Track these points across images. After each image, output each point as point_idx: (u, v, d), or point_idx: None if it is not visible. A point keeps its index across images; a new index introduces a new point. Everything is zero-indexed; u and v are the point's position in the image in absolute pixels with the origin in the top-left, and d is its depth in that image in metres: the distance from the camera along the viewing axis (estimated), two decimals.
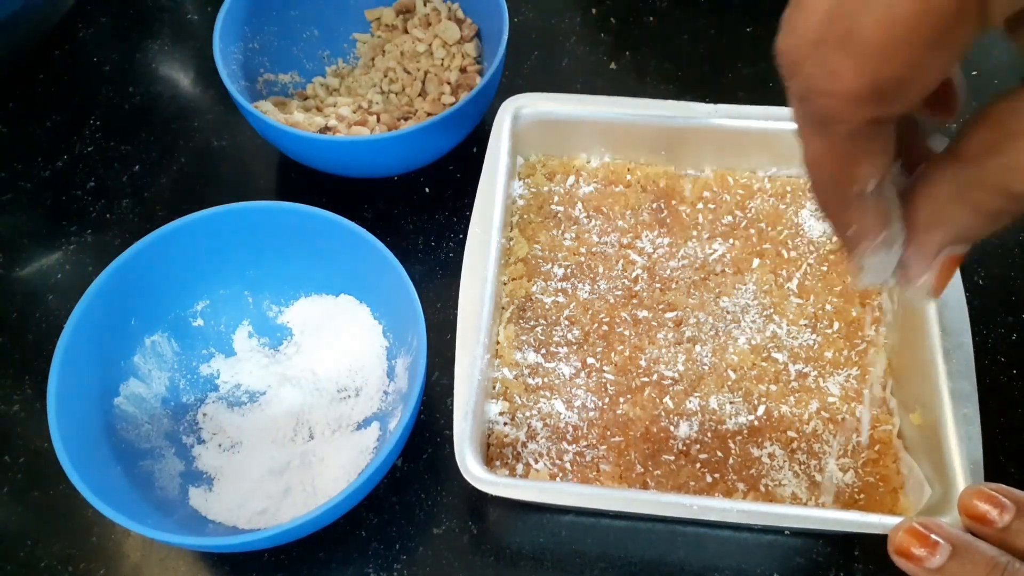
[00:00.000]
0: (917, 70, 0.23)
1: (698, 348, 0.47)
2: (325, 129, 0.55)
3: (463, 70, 0.58)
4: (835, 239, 0.50)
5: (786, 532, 0.45)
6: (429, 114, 0.56)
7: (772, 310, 0.48)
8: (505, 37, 0.53)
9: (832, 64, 0.23)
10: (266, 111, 0.54)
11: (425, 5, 0.60)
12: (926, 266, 0.28)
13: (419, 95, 0.58)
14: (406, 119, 0.56)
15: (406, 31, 0.61)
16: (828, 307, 0.48)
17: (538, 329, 0.48)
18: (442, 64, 0.59)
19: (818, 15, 0.23)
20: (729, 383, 0.46)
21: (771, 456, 0.44)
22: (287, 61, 0.59)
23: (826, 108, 0.24)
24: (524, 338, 0.47)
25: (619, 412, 0.45)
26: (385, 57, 0.60)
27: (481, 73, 0.58)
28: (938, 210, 0.27)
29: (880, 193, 0.26)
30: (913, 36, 0.22)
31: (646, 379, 0.46)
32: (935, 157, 0.27)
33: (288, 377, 0.48)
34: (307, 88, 0.59)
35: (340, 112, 0.56)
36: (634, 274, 0.49)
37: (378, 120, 0.56)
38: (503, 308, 0.48)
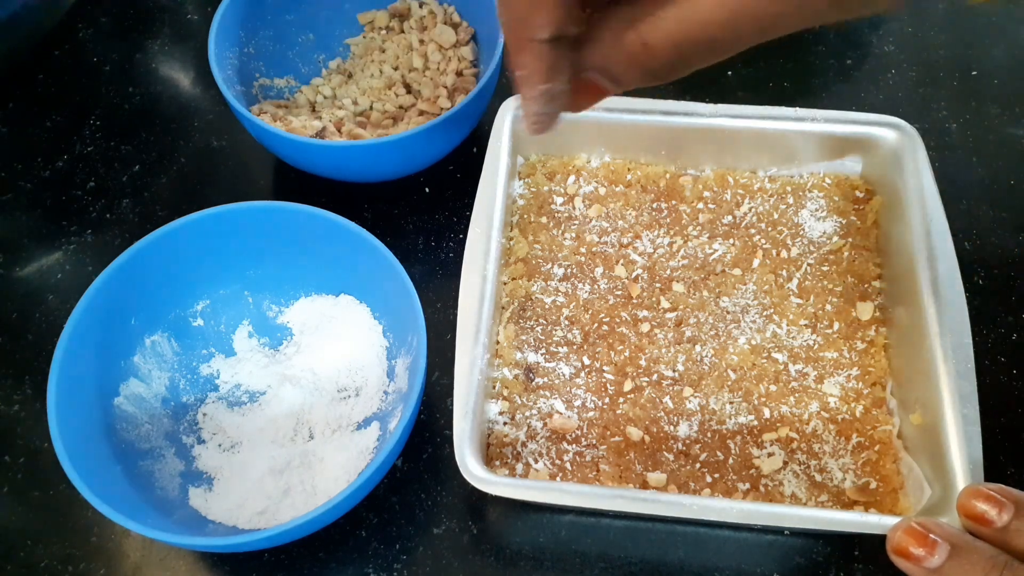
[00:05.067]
0: None
1: (698, 348, 0.47)
2: (322, 133, 0.55)
3: (459, 74, 0.58)
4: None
5: (786, 532, 0.45)
6: (425, 115, 0.56)
7: (772, 310, 0.48)
8: (501, 40, 0.53)
9: None
10: (262, 115, 0.54)
11: (421, 7, 0.60)
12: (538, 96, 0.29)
13: (415, 99, 0.58)
14: (403, 123, 0.56)
15: (401, 32, 0.60)
16: (828, 307, 0.48)
17: (538, 329, 0.48)
18: (438, 68, 0.59)
19: None
20: (729, 383, 0.46)
21: (771, 456, 0.44)
22: (283, 65, 0.59)
23: None
24: (524, 338, 0.47)
25: (619, 412, 0.45)
26: (381, 60, 0.60)
27: (477, 77, 0.58)
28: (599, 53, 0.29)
29: (556, 47, 0.28)
30: None
31: (646, 379, 0.46)
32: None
33: (288, 377, 0.48)
34: (303, 92, 0.59)
35: (337, 116, 0.56)
36: (634, 274, 0.49)
37: (375, 125, 0.55)
38: (503, 308, 0.48)
